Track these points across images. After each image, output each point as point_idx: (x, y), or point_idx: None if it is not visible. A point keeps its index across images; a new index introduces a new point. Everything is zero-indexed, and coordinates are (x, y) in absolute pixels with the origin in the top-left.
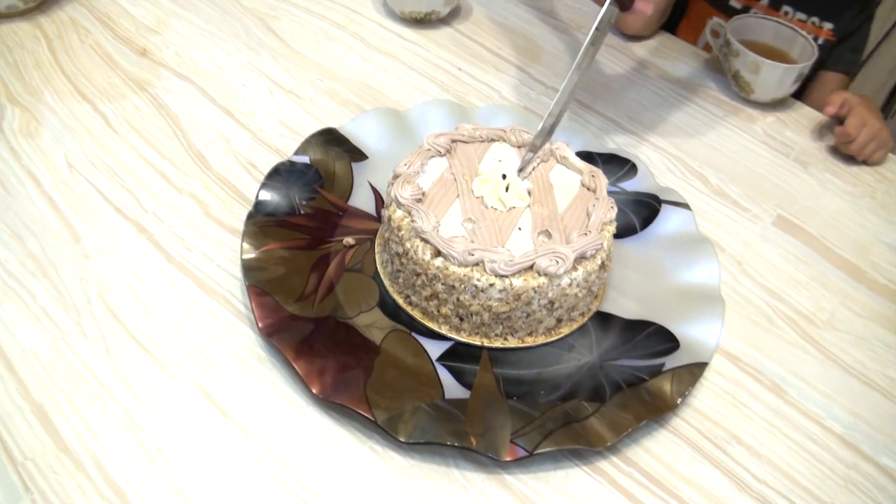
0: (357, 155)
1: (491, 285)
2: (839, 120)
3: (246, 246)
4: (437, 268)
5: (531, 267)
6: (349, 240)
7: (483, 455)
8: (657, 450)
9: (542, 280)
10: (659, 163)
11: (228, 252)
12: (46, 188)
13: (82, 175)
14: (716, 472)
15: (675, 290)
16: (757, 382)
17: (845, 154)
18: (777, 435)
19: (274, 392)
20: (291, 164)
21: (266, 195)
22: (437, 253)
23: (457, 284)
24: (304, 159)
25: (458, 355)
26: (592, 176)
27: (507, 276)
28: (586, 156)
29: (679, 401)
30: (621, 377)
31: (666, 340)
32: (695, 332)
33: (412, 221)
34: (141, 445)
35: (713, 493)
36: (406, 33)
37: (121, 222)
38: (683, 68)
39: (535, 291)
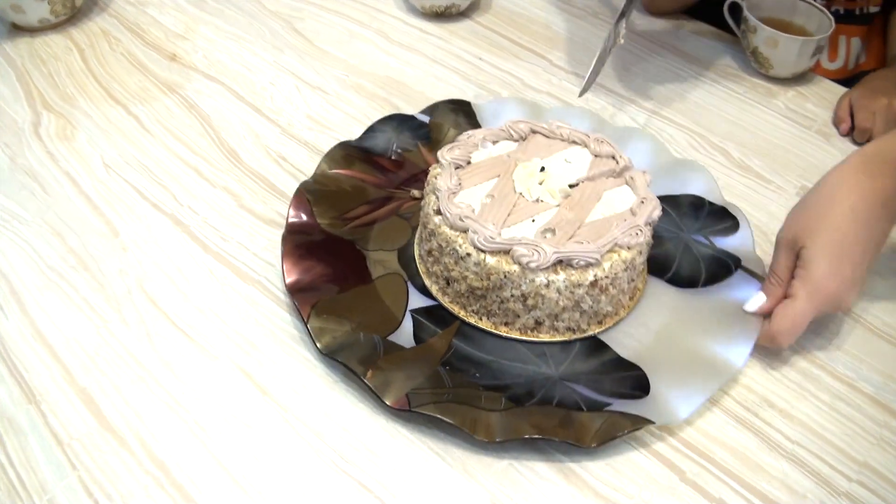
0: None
1: (468, 255)
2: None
3: (324, 164)
4: (435, 224)
5: (509, 251)
6: (416, 192)
7: (372, 389)
8: None
9: (515, 268)
10: (681, 139)
11: (263, 241)
12: (84, 188)
13: (118, 174)
14: (748, 435)
15: (691, 355)
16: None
17: None
18: (808, 397)
19: (311, 370)
20: (411, 117)
21: (370, 133)
22: (439, 211)
23: (444, 245)
24: (425, 118)
25: (433, 316)
26: (642, 202)
27: (484, 252)
28: (696, 201)
29: (594, 444)
30: (559, 395)
31: (638, 388)
32: (675, 395)
33: (435, 178)
34: (183, 423)
35: (746, 455)
36: (427, 27)
37: (157, 216)
38: (702, 47)
39: (507, 277)
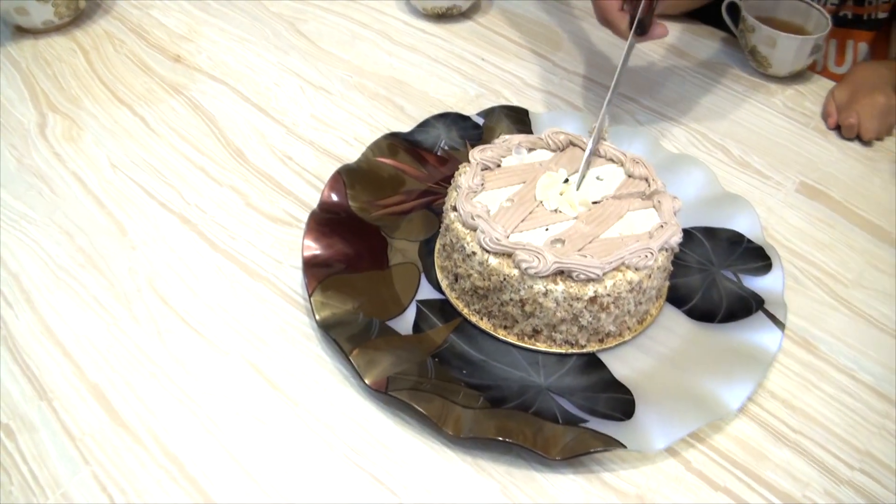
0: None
1: (473, 253)
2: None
3: (368, 150)
4: (450, 220)
5: (512, 255)
6: None
7: (353, 367)
8: None
9: (515, 272)
10: (682, 137)
11: (269, 238)
12: (91, 188)
13: (125, 174)
14: (752, 425)
15: (686, 389)
16: (787, 339)
17: None
18: (810, 388)
19: (321, 365)
20: (466, 117)
21: (421, 127)
22: (455, 207)
23: (455, 241)
24: (480, 120)
25: (438, 309)
26: (662, 226)
27: (488, 252)
28: (735, 237)
29: (558, 458)
30: (539, 404)
31: (622, 411)
32: (657, 424)
33: (459, 175)
34: (196, 418)
35: (751, 445)
36: (429, 28)
37: (165, 215)
38: (701, 47)
39: (506, 280)
